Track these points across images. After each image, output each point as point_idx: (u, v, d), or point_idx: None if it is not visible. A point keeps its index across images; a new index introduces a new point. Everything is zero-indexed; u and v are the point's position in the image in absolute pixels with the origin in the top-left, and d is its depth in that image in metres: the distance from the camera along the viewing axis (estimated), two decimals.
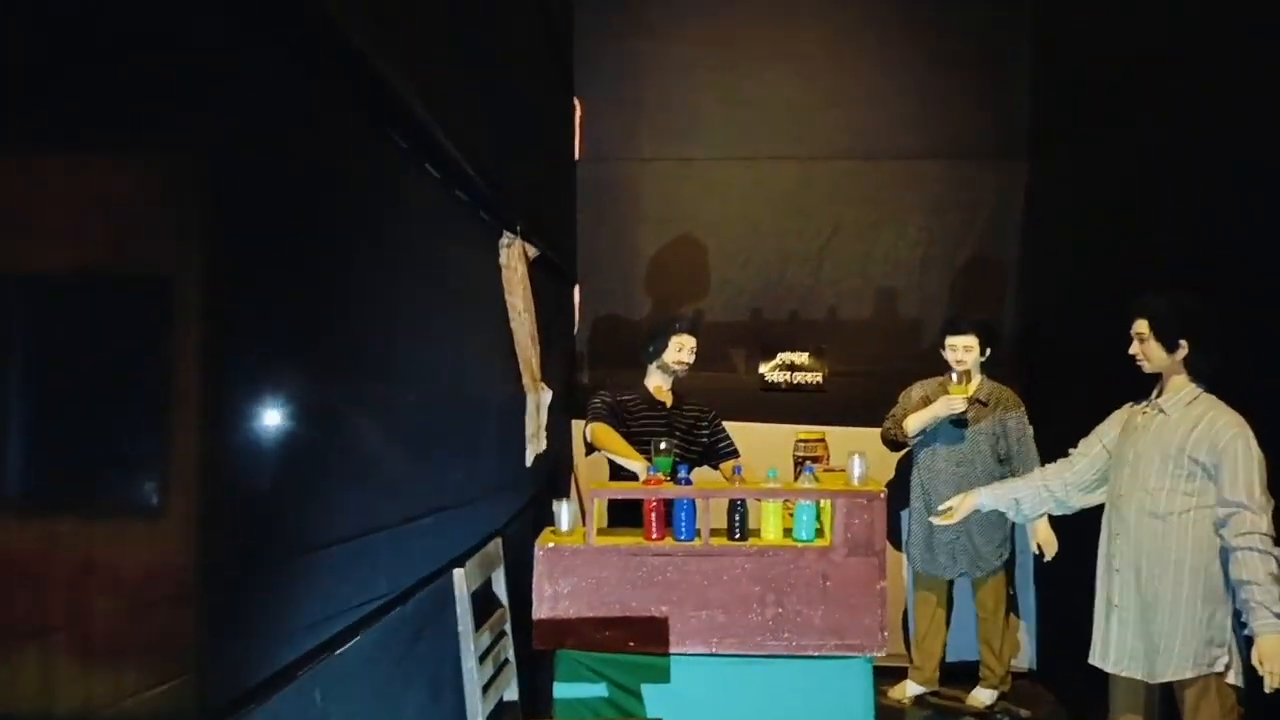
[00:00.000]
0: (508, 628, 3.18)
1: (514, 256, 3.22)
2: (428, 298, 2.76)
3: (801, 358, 5.38)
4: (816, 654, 3.59)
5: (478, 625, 2.87)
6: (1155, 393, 3.21)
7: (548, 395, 3.70)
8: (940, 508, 3.64)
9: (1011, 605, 4.70)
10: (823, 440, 4.18)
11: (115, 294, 1.38)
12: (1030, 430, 4.40)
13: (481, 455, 3.23)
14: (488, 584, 3.17)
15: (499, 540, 3.24)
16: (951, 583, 4.61)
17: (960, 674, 4.66)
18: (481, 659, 2.84)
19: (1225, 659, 3.00)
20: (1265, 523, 2.90)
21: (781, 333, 5.42)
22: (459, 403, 3.05)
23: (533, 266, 3.65)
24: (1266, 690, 2.82)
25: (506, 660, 3.11)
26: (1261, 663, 2.86)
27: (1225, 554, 2.96)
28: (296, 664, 1.86)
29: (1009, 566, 4.59)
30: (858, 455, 3.69)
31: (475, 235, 3.17)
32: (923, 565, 4.55)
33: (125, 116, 1.35)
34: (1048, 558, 4.25)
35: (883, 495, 3.63)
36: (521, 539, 3.64)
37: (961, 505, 3.57)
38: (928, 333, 5.18)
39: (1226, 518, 2.95)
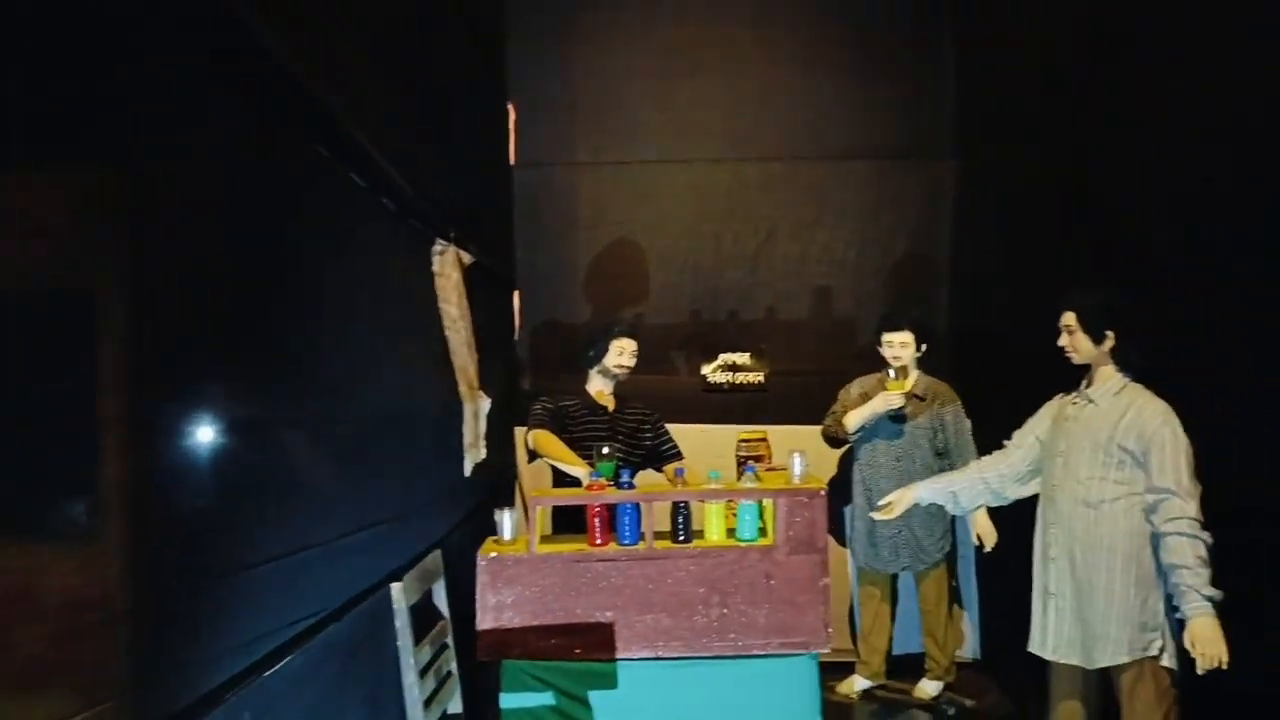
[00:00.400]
0: (450, 640, 3.15)
1: (447, 264, 3.19)
2: (359, 308, 2.72)
3: (742, 358, 5.41)
4: (762, 653, 3.59)
5: (418, 639, 2.83)
6: (1084, 383, 3.27)
7: (486, 403, 3.67)
8: (879, 503, 3.67)
9: (954, 597, 4.76)
10: (764, 440, 4.18)
11: (39, 313, 1.35)
12: (967, 424, 4.46)
13: (418, 466, 3.19)
14: (428, 597, 3.13)
15: (439, 552, 3.20)
16: (895, 577, 4.65)
17: (906, 666, 4.70)
18: (423, 673, 2.80)
19: (1159, 643, 3.06)
20: (1193, 508, 2.96)
21: (721, 334, 5.45)
22: (394, 414, 3.01)
23: (468, 273, 3.62)
24: (1199, 672, 2.89)
25: (449, 673, 3.07)
26: (1194, 645, 2.92)
27: (1156, 540, 3.02)
28: (226, 685, 1.82)
29: (951, 559, 4.65)
30: (798, 454, 3.70)
31: (407, 243, 3.13)
32: (866, 560, 4.59)
33: (43, 133, 1.32)
34: (988, 549, 4.31)
35: (824, 493, 3.65)
36: (464, 550, 3.60)
37: (900, 500, 3.60)
38: (865, 330, 5.23)
39: (1156, 504, 3.01)
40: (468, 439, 3.50)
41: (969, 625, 5.01)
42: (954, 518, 4.47)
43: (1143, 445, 3.06)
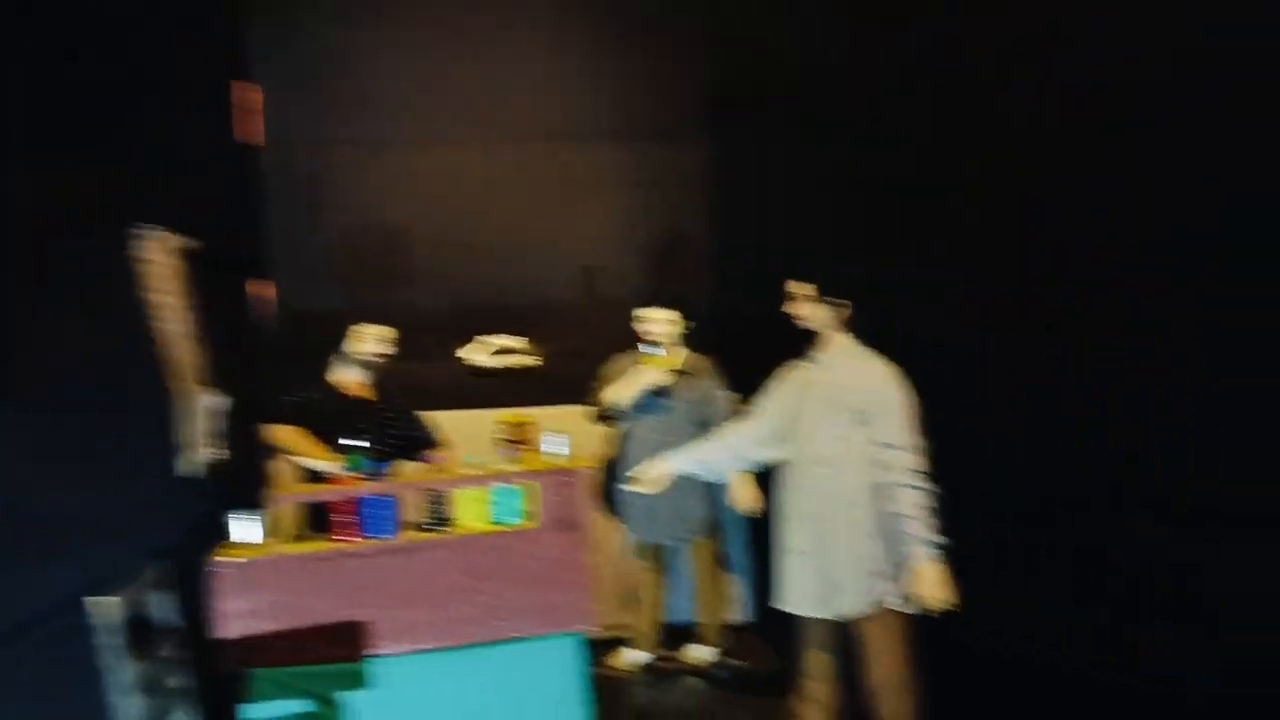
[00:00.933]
0: (179, 654, 2.93)
1: (155, 250, 2.95)
2: (47, 302, 2.48)
3: (510, 341, 5.34)
4: (526, 636, 3.56)
5: (139, 655, 2.62)
6: (817, 349, 3.40)
7: (216, 400, 3.43)
8: (629, 474, 3.70)
9: (724, 563, 4.88)
10: (526, 424, 4.13)
11: None
12: (727, 397, 4.57)
13: (130, 468, 2.94)
14: (154, 608, 2.90)
15: (161, 561, 2.97)
16: (667, 548, 4.72)
17: (681, 635, 4.79)
18: (142, 691, 2.59)
19: (893, 590, 3.23)
20: (918, 461, 3.16)
21: (488, 317, 5.36)
22: (102, 412, 2.77)
23: (195, 260, 3.37)
24: (929, 613, 3.07)
25: (178, 690, 2.86)
26: (921, 589, 3.11)
27: (885, 492, 3.19)
28: None
29: (719, 527, 4.76)
30: (551, 434, 3.68)
31: (104, 229, 2.87)
32: (638, 534, 4.64)
33: None
34: (751, 513, 4.43)
35: (583, 471, 3.65)
36: (204, 556, 3.37)
37: (653, 472, 3.65)
38: (632, 308, 5.27)
39: (884, 459, 3.18)
40: (190, 437, 3.26)
41: (739, 589, 5.15)
42: (719, 485, 4.56)
43: (872, 404, 3.22)
